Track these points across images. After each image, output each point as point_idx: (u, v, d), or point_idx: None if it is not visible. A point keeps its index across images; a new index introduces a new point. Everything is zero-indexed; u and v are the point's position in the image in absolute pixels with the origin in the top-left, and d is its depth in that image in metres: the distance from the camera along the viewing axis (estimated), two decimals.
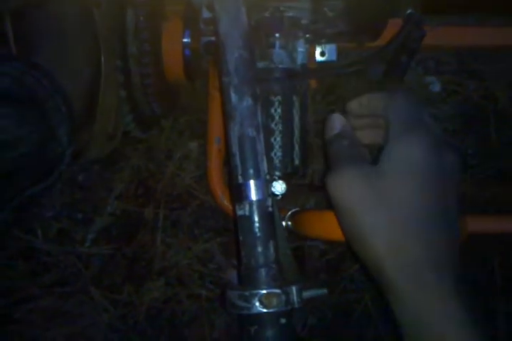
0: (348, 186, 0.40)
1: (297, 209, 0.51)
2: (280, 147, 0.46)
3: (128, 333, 0.69)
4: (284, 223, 0.48)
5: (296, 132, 0.47)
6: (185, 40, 0.61)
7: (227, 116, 0.44)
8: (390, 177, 0.39)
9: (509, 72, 0.74)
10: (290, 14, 0.48)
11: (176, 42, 0.61)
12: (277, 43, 0.49)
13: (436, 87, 0.75)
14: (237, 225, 0.41)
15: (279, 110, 0.47)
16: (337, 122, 0.44)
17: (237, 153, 0.42)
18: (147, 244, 0.73)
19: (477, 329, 0.36)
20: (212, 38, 0.59)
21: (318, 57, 0.60)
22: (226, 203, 0.62)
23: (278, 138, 0.46)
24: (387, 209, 0.38)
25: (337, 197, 0.40)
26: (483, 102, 0.74)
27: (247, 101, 0.43)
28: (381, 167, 0.40)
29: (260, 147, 0.42)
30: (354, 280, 0.68)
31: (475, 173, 0.73)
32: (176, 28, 0.61)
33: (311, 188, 0.57)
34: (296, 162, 0.47)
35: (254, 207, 0.40)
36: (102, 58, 0.53)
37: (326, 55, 0.59)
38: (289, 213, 0.48)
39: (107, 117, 0.56)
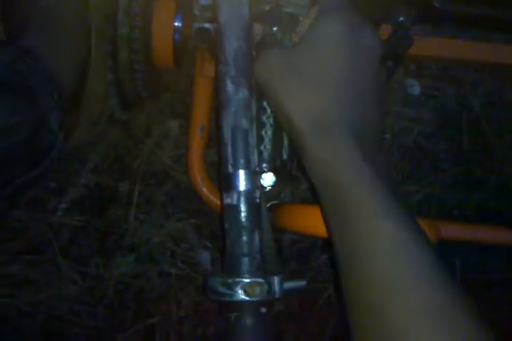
0: (269, 65, 0.44)
1: (276, 201, 0.52)
2: (270, 140, 0.47)
3: (95, 307, 0.70)
4: None
5: None
6: (176, 24, 0.60)
7: (221, 106, 0.44)
8: (304, 51, 0.43)
9: (486, 81, 0.77)
10: (289, 10, 0.49)
11: (167, 27, 0.60)
12: None
13: (416, 90, 0.77)
14: (223, 213, 0.42)
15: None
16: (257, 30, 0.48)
17: (229, 143, 0.43)
18: (119, 219, 0.73)
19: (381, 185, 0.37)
20: (205, 25, 0.59)
21: None
22: (205, 191, 0.62)
23: (269, 132, 0.47)
24: (301, 78, 0.42)
25: (260, 77, 0.44)
26: (458, 108, 0.76)
27: (243, 93, 0.44)
28: (299, 45, 0.43)
29: (252, 139, 0.44)
30: (321, 272, 0.71)
31: (445, 177, 0.76)
32: (168, 12, 0.61)
33: (286, 178, 0.58)
34: (285, 156, 0.48)
35: (242, 197, 0.41)
36: (93, 42, 0.52)
37: None
38: (268, 205, 0.50)
39: (93, 103, 0.56)
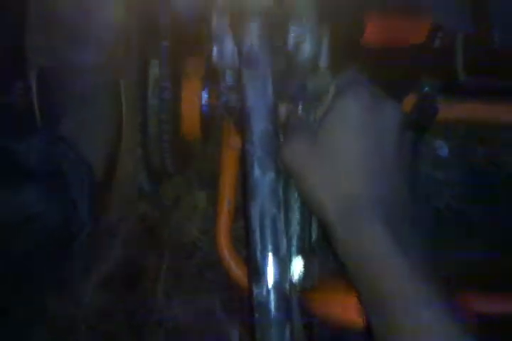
0: (293, 151, 0.43)
1: (308, 285, 0.50)
2: (298, 223, 0.46)
3: None
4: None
5: None
6: (204, 98, 0.62)
7: (248, 191, 0.44)
8: (325, 135, 0.42)
9: None
10: (311, 88, 0.49)
11: (195, 101, 0.62)
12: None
13: (445, 152, 0.75)
14: (252, 303, 0.41)
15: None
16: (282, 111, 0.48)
17: (257, 229, 0.42)
18: (148, 294, 0.72)
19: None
20: (231, 100, 0.60)
21: None
22: (233, 267, 0.61)
23: (297, 214, 0.46)
24: (324, 164, 0.41)
25: (288, 165, 0.43)
26: (489, 168, 0.74)
27: (270, 176, 0.43)
28: (319, 128, 0.42)
29: (280, 225, 0.42)
30: None
31: (480, 241, 0.73)
32: (196, 87, 0.62)
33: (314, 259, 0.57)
34: (314, 238, 0.47)
35: (272, 289, 0.40)
36: (124, 123, 0.53)
37: None
38: (299, 290, 0.48)
39: (124, 181, 0.56)
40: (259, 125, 0.44)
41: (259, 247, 0.42)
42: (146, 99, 0.59)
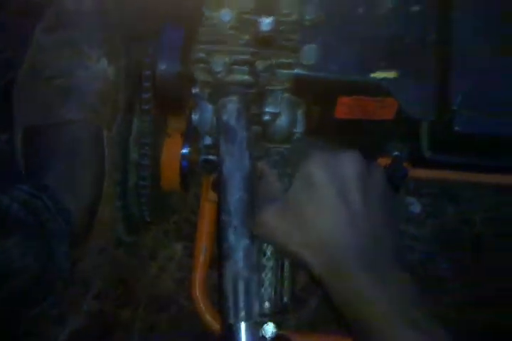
0: (265, 222, 0.44)
1: (280, 332, 0.51)
2: (270, 284, 0.48)
3: None
4: None
5: (286, 267, 0.49)
6: (183, 153, 0.64)
7: (222, 255, 0.45)
8: (292, 200, 0.44)
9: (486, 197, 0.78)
10: (282, 150, 0.51)
11: (175, 156, 0.63)
12: None
13: (417, 208, 0.78)
14: None
15: (270, 246, 0.49)
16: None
17: (231, 293, 0.44)
18: None
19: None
20: (210, 157, 0.62)
21: None
22: (208, 317, 0.62)
23: (269, 275, 0.48)
24: (302, 225, 0.43)
25: (262, 234, 0.45)
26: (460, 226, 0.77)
27: (245, 242, 0.45)
28: (287, 194, 0.44)
29: (254, 288, 0.44)
30: None
31: (451, 296, 0.75)
32: (176, 143, 0.64)
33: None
34: (285, 299, 0.48)
35: None
36: (106, 176, 0.55)
37: None
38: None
39: (102, 231, 0.57)
40: (234, 194, 0.46)
41: (231, 311, 0.43)
42: (127, 154, 0.60)
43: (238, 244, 0.45)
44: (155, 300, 0.73)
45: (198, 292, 0.63)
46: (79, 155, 0.53)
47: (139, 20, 0.60)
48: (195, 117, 0.54)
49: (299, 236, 0.43)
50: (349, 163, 0.44)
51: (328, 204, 0.43)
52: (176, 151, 0.65)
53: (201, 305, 0.63)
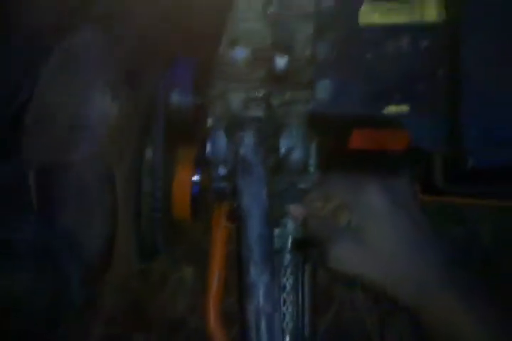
0: (340, 256, 0.47)
1: None
2: (292, 318, 0.48)
3: None
4: None
5: (307, 300, 0.50)
6: (194, 181, 0.64)
7: (244, 291, 0.46)
8: (362, 231, 0.47)
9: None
10: (302, 186, 0.52)
11: (186, 185, 0.64)
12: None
13: None
14: None
15: (290, 280, 0.50)
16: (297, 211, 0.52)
17: (253, 327, 0.44)
18: None
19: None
20: (222, 184, 0.62)
21: None
22: None
23: (289, 309, 0.49)
24: (381, 258, 0.46)
25: (339, 268, 0.47)
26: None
27: (266, 278, 0.46)
28: (354, 226, 0.48)
29: (277, 324, 0.45)
30: None
31: None
32: (188, 171, 0.65)
33: None
34: (306, 333, 0.49)
35: None
36: (120, 211, 0.55)
37: None
38: None
39: (120, 265, 0.57)
40: (255, 230, 0.46)
41: None
42: (139, 185, 0.61)
43: (259, 279, 0.45)
44: (167, 323, 0.74)
45: (211, 317, 0.64)
46: (91, 192, 0.54)
47: (151, 53, 0.61)
48: (208, 147, 0.55)
49: (378, 267, 0.46)
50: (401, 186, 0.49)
51: (400, 229, 0.46)
52: (186, 179, 0.66)
53: (215, 330, 0.63)
